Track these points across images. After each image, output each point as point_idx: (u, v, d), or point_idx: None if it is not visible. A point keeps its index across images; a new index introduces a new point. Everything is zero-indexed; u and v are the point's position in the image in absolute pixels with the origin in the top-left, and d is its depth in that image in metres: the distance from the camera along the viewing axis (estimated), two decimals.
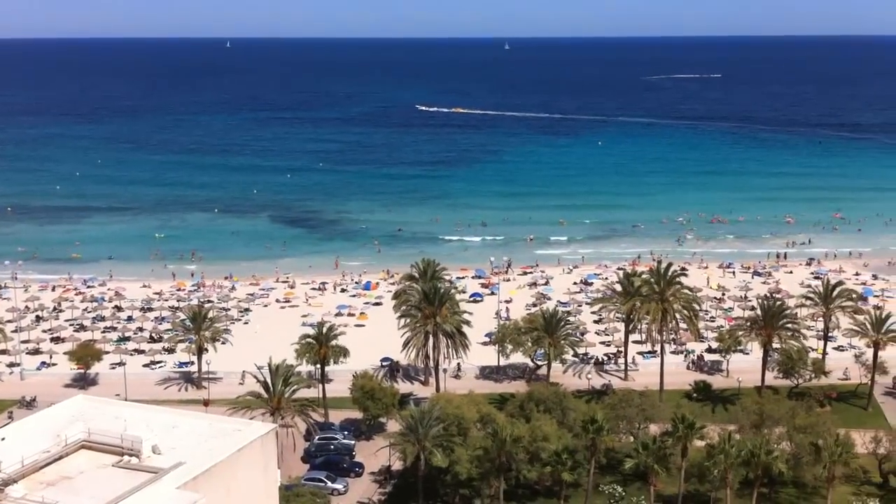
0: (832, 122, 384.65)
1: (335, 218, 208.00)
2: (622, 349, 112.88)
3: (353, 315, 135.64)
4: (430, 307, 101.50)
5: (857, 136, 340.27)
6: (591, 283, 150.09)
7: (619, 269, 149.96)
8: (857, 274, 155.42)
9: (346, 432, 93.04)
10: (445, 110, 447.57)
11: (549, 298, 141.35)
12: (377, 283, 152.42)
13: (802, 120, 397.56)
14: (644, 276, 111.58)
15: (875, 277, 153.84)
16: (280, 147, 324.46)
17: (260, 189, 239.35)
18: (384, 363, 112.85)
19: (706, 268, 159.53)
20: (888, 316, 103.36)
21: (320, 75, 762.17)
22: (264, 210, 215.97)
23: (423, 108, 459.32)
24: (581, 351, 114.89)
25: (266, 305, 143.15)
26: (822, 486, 75.45)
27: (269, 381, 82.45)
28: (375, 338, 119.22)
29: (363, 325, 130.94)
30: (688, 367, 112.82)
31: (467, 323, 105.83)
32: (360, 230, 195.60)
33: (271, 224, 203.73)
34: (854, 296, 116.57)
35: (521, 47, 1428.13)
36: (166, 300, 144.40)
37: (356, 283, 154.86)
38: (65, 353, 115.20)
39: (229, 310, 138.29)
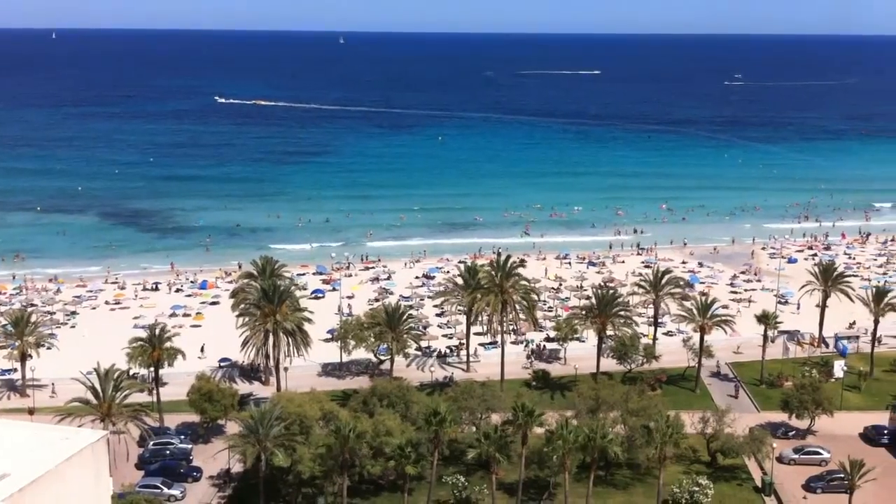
0: (665, 119, 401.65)
1: (168, 215, 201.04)
2: (464, 341, 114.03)
3: (188, 315, 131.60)
4: (269, 305, 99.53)
5: (683, 131, 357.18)
6: (433, 277, 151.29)
7: (460, 262, 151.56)
8: (683, 262, 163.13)
9: (182, 436, 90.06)
10: (284, 104, 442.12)
11: (392, 293, 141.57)
12: (214, 282, 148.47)
13: (638, 116, 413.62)
14: (485, 268, 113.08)
15: (700, 265, 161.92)
16: (107, 143, 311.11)
17: (86, 186, 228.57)
18: (222, 363, 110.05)
19: (544, 259, 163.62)
20: (713, 301, 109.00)
21: (149, 68, 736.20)
22: (91, 208, 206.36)
23: (228, 100, 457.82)
24: (424, 344, 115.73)
25: (94, 308, 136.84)
26: (655, 467, 78.30)
27: (97, 386, 78.75)
28: (213, 338, 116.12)
29: (200, 326, 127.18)
30: (527, 357, 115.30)
31: (308, 320, 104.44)
32: (194, 228, 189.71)
33: (99, 222, 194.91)
34: (682, 283, 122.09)
35: (357, 42, 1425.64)
36: None
37: (192, 282, 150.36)
38: None
39: (55, 313, 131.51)
